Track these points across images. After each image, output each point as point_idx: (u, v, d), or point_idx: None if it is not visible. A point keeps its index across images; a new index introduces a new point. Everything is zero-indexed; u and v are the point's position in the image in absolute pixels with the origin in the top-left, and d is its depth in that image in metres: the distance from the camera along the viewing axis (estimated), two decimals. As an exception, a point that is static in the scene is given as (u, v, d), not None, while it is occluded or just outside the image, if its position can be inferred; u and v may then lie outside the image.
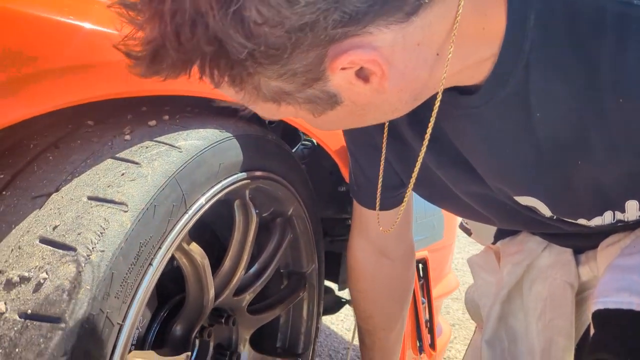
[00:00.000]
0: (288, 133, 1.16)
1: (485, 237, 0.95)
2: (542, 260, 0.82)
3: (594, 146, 0.54)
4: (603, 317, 0.62)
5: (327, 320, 2.21)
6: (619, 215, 0.63)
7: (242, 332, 0.98)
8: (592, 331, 0.64)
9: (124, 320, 0.60)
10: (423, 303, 1.23)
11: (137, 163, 0.65)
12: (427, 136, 0.60)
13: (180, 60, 0.46)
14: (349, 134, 0.83)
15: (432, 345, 1.26)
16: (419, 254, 1.23)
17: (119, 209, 0.60)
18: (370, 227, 0.93)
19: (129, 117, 0.75)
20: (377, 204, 0.84)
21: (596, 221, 0.64)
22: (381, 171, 0.77)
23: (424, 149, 0.62)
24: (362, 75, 0.49)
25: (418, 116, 0.62)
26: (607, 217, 0.63)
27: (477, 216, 0.79)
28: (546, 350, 0.78)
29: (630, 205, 0.60)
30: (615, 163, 0.55)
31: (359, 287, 1.00)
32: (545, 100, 0.54)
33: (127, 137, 0.69)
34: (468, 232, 1.06)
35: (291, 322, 1.15)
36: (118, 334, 0.59)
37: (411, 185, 0.68)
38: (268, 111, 0.55)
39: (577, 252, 0.83)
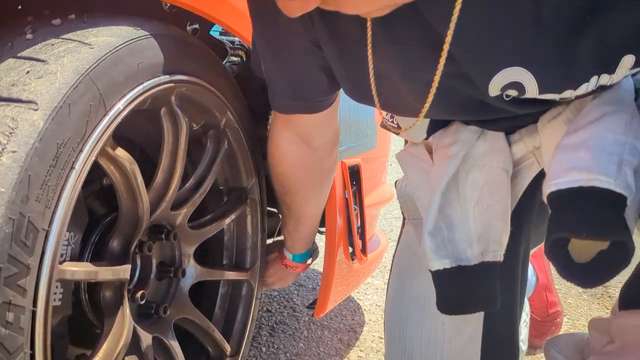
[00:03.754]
0: (213, 47, 1.11)
1: (417, 134, 0.93)
2: (477, 150, 0.82)
3: None
4: (556, 198, 0.63)
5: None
6: (603, 80, 0.62)
7: (185, 248, 0.96)
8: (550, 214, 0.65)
9: (49, 225, 0.56)
10: (355, 210, 1.25)
11: (43, 61, 0.59)
12: (454, 19, 0.57)
13: None
14: (272, 39, 0.79)
15: (363, 251, 1.29)
16: (352, 161, 1.23)
17: (28, 108, 0.55)
18: (296, 122, 0.91)
19: (29, 18, 0.68)
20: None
21: (581, 90, 0.63)
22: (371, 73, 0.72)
23: (450, 33, 0.59)
24: None
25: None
26: (591, 84, 0.62)
27: (412, 109, 0.78)
28: (484, 235, 0.81)
29: (625, 60, 0.58)
30: (632, 7, 0.53)
31: (280, 170, 1.00)
32: None
33: (29, 36, 0.63)
34: (395, 131, 1.04)
35: (236, 239, 1.14)
36: (45, 240, 0.56)
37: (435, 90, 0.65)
38: None
39: (509, 132, 0.84)
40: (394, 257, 1.05)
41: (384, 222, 3.06)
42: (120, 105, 0.67)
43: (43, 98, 0.56)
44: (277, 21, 0.75)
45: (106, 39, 0.66)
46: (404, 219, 1.06)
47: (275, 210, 1.51)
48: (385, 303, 1.03)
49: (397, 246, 1.05)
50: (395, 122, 0.95)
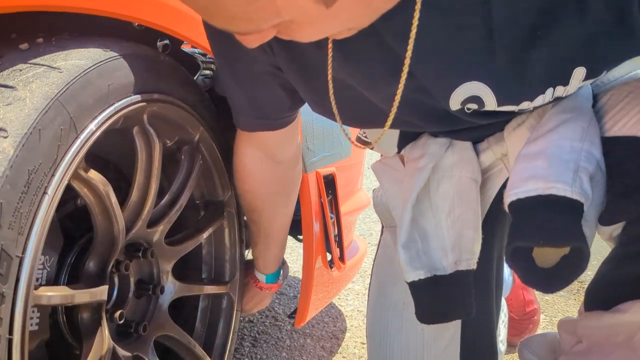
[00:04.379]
0: (185, 62, 1.11)
1: (388, 149, 0.95)
2: (446, 161, 0.84)
3: (558, 11, 0.55)
4: (516, 207, 0.65)
5: (254, 256, 2.23)
6: (558, 92, 0.64)
7: (163, 265, 0.96)
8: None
9: (23, 252, 0.56)
10: (332, 218, 1.26)
11: (11, 87, 0.60)
12: (412, 36, 0.58)
13: None
14: (231, 62, 0.81)
15: (342, 258, 1.30)
16: (327, 170, 1.24)
17: (-3, 135, 0.55)
18: (260, 139, 0.92)
19: (-5, 43, 0.68)
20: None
21: (538, 101, 0.65)
22: (331, 93, 0.73)
23: (409, 52, 0.60)
24: None
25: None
26: (547, 95, 0.64)
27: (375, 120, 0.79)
28: (456, 244, 0.83)
29: (577, 73, 0.61)
30: (579, 23, 0.55)
31: (246, 188, 1.02)
32: None
33: (-4, 62, 0.63)
34: (369, 145, 1.06)
35: (214, 252, 1.14)
36: (19, 267, 0.56)
37: (395, 109, 0.67)
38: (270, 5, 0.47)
39: (477, 141, 0.86)
40: (373, 263, 1.06)
41: (363, 226, 3.08)
42: (91, 127, 0.67)
43: (12, 125, 0.56)
44: (235, 46, 0.76)
45: (75, 62, 0.66)
46: (382, 227, 1.07)
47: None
48: (367, 310, 1.05)
49: (376, 253, 1.07)
50: (368, 139, 0.97)
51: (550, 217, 0.62)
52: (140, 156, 0.82)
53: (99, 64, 0.69)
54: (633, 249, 0.64)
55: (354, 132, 1.37)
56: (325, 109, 0.79)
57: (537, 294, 1.89)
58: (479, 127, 0.80)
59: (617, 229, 0.66)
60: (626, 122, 0.65)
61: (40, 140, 0.59)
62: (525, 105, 0.65)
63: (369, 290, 1.06)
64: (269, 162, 0.97)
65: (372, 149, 0.99)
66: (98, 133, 0.68)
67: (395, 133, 0.91)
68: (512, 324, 1.59)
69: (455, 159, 0.84)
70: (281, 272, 1.20)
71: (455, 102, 0.66)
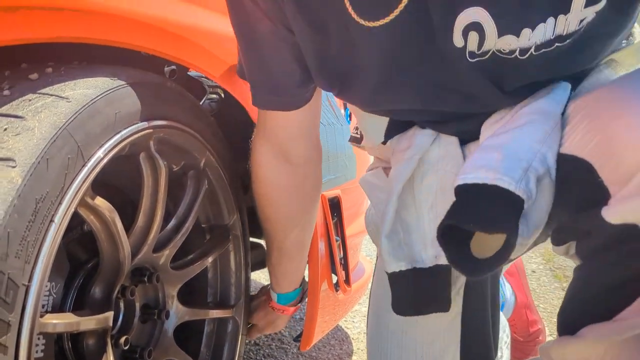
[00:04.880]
0: (192, 86, 1.13)
1: (375, 137, 0.95)
2: (432, 154, 0.84)
3: None
4: (461, 191, 0.67)
5: (259, 277, 2.22)
6: (560, 25, 0.62)
7: (168, 289, 0.96)
8: None
9: (29, 281, 0.57)
10: (337, 241, 1.26)
11: (20, 117, 0.61)
12: None
13: None
14: (247, 24, 0.80)
15: (347, 281, 1.30)
16: (332, 193, 1.24)
17: (5, 165, 0.56)
18: (273, 127, 0.92)
19: (6, 73, 0.69)
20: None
21: (538, 33, 0.63)
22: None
23: None
24: None
25: None
26: (548, 28, 0.62)
27: (388, 98, 0.79)
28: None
29: None
30: None
31: (260, 191, 1.00)
32: None
33: (6, 92, 0.64)
34: (358, 141, 1.05)
35: (220, 275, 1.14)
36: (25, 295, 0.56)
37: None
38: None
39: (462, 143, 0.85)
40: (370, 290, 1.05)
41: (370, 246, 3.07)
42: (98, 155, 0.68)
43: (21, 155, 0.57)
44: (247, 8, 0.77)
45: (83, 91, 0.68)
46: (378, 251, 1.07)
47: (258, 241, 1.52)
48: (366, 337, 1.04)
49: (372, 279, 1.06)
50: (359, 133, 0.97)
51: (489, 205, 0.64)
52: (147, 182, 0.83)
53: (107, 93, 0.70)
54: (583, 271, 0.66)
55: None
56: (339, 53, 0.76)
57: (544, 316, 1.86)
58: (464, 118, 0.80)
59: (571, 247, 0.67)
60: (572, 140, 0.65)
61: (47, 169, 0.59)
62: (526, 35, 0.63)
63: (367, 317, 1.04)
64: (285, 163, 0.95)
65: (360, 142, 1.00)
66: (105, 160, 0.69)
67: (384, 120, 0.90)
68: (517, 345, 1.57)
69: (441, 153, 0.84)
70: (298, 296, 1.17)
71: (457, 31, 0.65)
